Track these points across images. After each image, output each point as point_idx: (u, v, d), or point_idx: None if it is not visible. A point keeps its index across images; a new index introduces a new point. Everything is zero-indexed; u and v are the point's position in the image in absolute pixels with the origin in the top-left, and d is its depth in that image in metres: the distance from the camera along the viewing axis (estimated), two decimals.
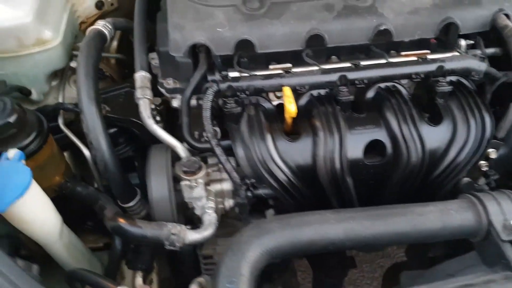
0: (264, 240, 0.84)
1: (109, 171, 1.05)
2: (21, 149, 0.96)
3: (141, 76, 1.04)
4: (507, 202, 0.86)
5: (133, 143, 1.26)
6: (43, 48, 1.09)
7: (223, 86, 1.01)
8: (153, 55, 1.26)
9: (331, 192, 1.01)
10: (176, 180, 0.99)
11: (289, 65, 1.06)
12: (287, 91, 0.97)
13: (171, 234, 0.92)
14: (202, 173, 0.96)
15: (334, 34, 1.03)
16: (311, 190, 1.02)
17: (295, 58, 1.06)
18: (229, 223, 1.12)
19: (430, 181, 1.03)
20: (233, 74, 1.04)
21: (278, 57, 1.06)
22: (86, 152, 1.15)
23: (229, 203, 1.04)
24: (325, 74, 1.03)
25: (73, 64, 1.22)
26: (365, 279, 1.99)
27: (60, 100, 1.23)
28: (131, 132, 1.20)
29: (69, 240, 1.05)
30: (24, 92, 1.15)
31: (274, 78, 1.02)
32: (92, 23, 1.33)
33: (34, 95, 1.18)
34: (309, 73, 1.03)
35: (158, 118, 1.26)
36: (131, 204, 1.09)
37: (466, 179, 1.05)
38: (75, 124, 1.21)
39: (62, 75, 1.25)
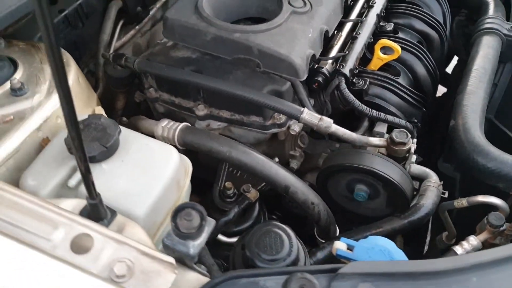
0: None
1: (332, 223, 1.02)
2: None
3: (307, 114, 0.98)
4: None
5: None
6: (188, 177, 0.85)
7: (345, 72, 1.08)
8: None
9: (430, 86, 1.26)
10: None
11: (341, 33, 1.19)
12: (387, 41, 1.13)
13: None
14: None
15: None
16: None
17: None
18: None
19: None
20: (327, 63, 1.10)
21: None
22: None
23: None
24: (370, 21, 1.22)
25: None
26: None
27: None
28: None
29: None
30: None
31: (357, 43, 1.15)
32: None
33: None
34: (362, 27, 1.20)
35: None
36: None
37: None
38: None
39: None
